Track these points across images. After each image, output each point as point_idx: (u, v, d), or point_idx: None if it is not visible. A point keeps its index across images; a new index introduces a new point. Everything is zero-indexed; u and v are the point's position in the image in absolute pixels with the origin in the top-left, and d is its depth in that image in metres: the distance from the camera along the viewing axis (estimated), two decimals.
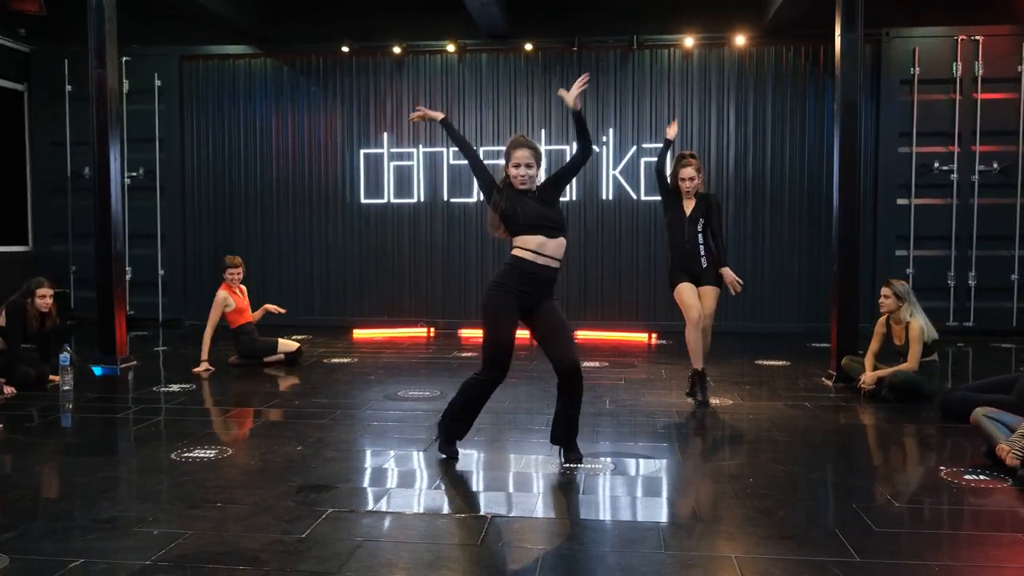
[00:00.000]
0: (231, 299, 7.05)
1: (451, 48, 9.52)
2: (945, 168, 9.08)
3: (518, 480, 4.01)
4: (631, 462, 4.27)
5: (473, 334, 9.15)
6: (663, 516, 3.49)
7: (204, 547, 3.07)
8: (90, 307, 9.58)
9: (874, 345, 5.91)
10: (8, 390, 5.74)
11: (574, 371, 4.09)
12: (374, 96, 9.86)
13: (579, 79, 4.16)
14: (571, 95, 4.09)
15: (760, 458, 4.34)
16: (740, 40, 9.19)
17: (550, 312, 4.14)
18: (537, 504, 3.65)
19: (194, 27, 9.81)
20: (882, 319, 5.97)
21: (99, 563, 2.92)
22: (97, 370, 6.78)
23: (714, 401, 5.65)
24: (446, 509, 3.54)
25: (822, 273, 9.29)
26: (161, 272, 9.99)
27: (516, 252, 4.09)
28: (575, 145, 4.51)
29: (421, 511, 3.52)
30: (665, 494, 3.85)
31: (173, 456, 4.29)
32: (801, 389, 6.18)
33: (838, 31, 6.43)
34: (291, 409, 5.44)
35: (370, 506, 3.57)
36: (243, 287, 7.26)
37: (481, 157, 4.59)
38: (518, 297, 4.06)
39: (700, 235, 5.60)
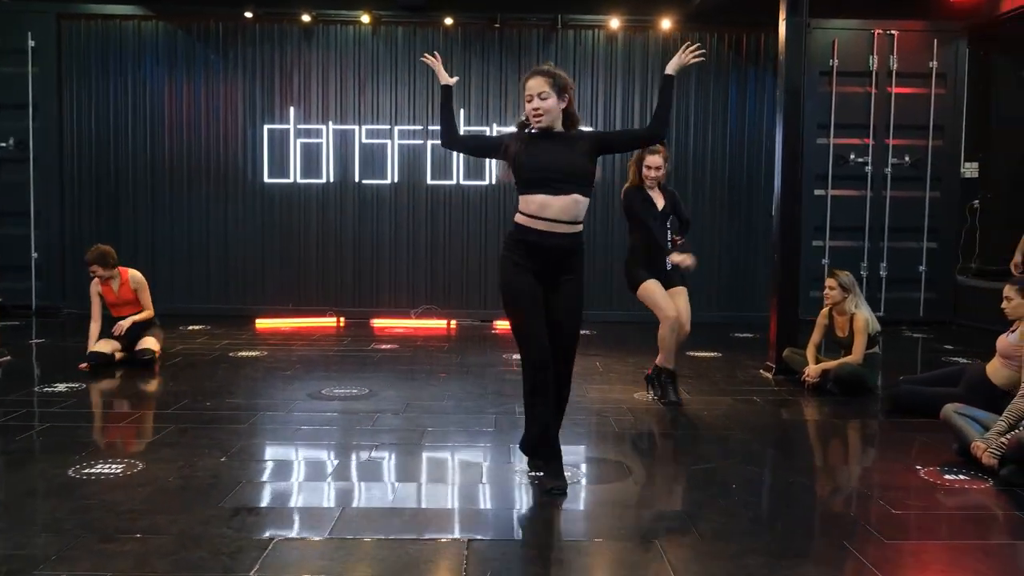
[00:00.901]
0: (102, 293, 6.25)
1: (365, 19, 8.89)
2: (860, 160, 9.18)
3: (487, 493, 3.58)
4: (601, 468, 3.92)
5: (387, 324, 8.63)
6: (658, 532, 3.15)
7: None
8: None
9: (816, 337, 5.80)
10: None
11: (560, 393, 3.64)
12: (280, 67, 9.12)
13: (690, 49, 3.78)
14: (675, 62, 3.81)
15: (732, 460, 4.08)
16: (666, 24, 8.98)
17: (558, 304, 3.52)
18: (516, 524, 3.24)
19: None
20: (824, 311, 5.85)
21: None
22: None
23: (661, 397, 5.37)
24: (415, 532, 3.08)
25: (742, 262, 9.26)
26: (34, 255, 8.95)
27: (516, 216, 3.50)
28: (648, 122, 3.90)
29: (387, 536, 3.03)
30: (651, 505, 3.52)
31: (71, 473, 3.64)
32: (742, 382, 6.01)
33: (782, 16, 6.26)
34: (203, 412, 4.81)
35: (325, 531, 3.06)
36: (127, 278, 6.39)
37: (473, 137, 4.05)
38: (531, 271, 3.47)
39: (668, 231, 5.22)
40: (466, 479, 3.74)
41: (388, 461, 3.99)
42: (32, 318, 8.59)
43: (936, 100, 9.10)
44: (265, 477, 3.72)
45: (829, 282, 5.69)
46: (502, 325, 8.66)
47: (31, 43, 8.87)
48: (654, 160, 5.17)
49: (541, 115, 3.44)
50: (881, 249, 9.24)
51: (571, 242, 3.48)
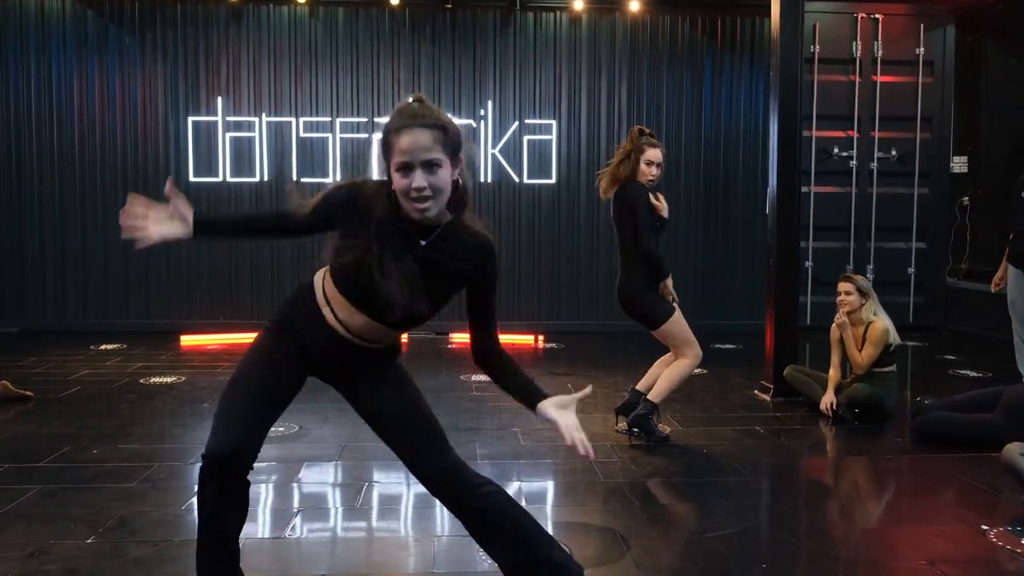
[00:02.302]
0: None
1: (301, 0, 7.95)
2: (844, 154, 8.50)
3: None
4: (590, 542, 3.06)
5: None
6: None
7: None
8: None
9: (835, 357, 4.98)
10: None
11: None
12: (205, 53, 8.12)
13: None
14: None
15: (751, 522, 3.26)
16: (635, 6, 8.17)
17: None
18: None
19: None
20: (835, 324, 5.06)
21: None
22: None
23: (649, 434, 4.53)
24: None
25: (719, 267, 8.52)
26: None
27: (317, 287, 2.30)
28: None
29: None
30: None
31: None
32: (738, 407, 5.21)
33: None
34: (85, 466, 3.84)
35: None
36: None
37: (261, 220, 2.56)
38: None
39: None
40: (414, 562, 2.85)
41: (319, 541, 3.08)
42: None
43: (923, 89, 8.45)
44: (143, 571, 2.77)
45: (844, 286, 4.92)
46: (460, 338, 7.78)
47: None
48: (655, 153, 4.24)
49: (428, 201, 2.07)
50: (868, 250, 8.57)
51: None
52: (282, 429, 4.46)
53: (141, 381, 5.77)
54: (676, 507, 3.54)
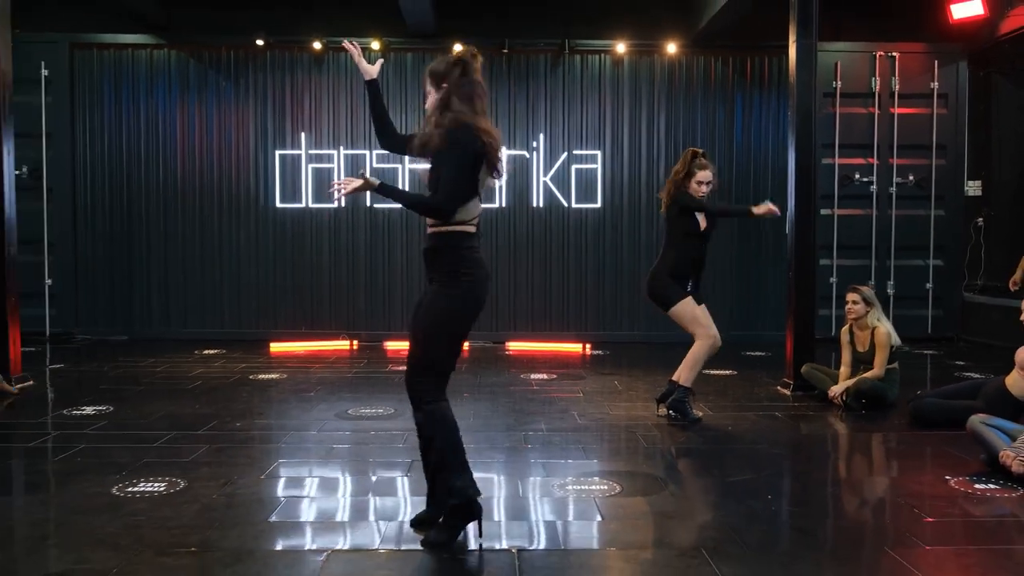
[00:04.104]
0: None
1: (376, 45, 9.02)
2: (865, 180, 9.31)
3: (526, 506, 3.63)
4: (636, 482, 3.97)
5: (401, 347, 8.65)
6: (704, 540, 3.19)
7: None
8: None
9: (845, 356, 5.82)
10: None
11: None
12: (291, 93, 9.24)
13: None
14: None
15: (764, 472, 4.14)
16: (671, 49, 9.13)
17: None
18: (561, 532, 3.29)
19: (86, 11, 8.94)
20: (845, 327, 5.92)
21: None
22: None
23: (681, 415, 5.41)
24: (466, 543, 3.12)
25: (751, 282, 9.35)
26: (48, 282, 8.99)
27: (456, 228, 3.20)
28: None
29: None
30: (692, 516, 3.56)
31: (115, 491, 3.67)
32: (762, 399, 6.06)
33: (792, 38, 6.40)
34: (234, 432, 4.85)
35: (376, 543, 3.11)
36: None
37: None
38: None
39: (706, 245, 5.23)
40: (508, 492, 3.78)
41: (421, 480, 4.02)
42: (46, 344, 8.60)
43: (938, 120, 9.25)
44: (307, 493, 3.76)
45: (852, 296, 5.76)
46: (515, 346, 8.73)
47: (44, 73, 8.97)
48: (705, 175, 5.10)
49: (429, 115, 3.20)
50: (888, 267, 9.35)
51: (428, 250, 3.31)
52: (381, 411, 5.44)
53: (250, 377, 6.80)
54: (704, 462, 4.43)
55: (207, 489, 3.72)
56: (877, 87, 9.23)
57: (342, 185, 3.19)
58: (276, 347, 8.57)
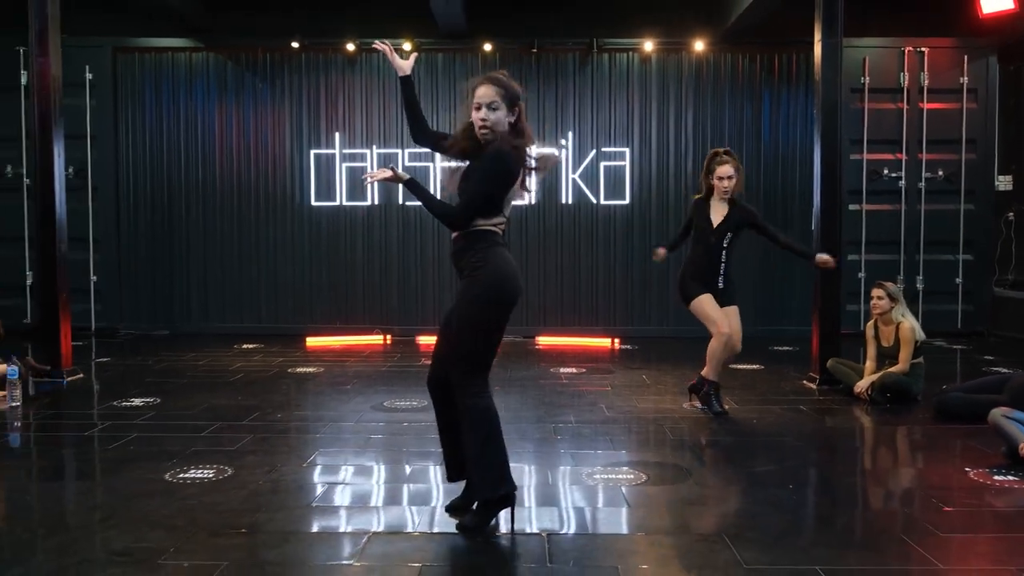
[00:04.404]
0: None
1: (407, 47, 9.19)
2: (894, 175, 9.33)
3: (555, 493, 3.79)
4: (662, 471, 4.11)
5: (434, 341, 8.84)
6: (725, 527, 3.33)
7: None
8: (12, 316, 8.91)
9: (870, 350, 5.91)
10: None
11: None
12: (325, 94, 9.46)
13: None
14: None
15: (787, 463, 4.26)
16: (699, 46, 9.21)
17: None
18: (588, 518, 3.45)
19: (128, 16, 9.22)
20: (870, 323, 6.00)
21: None
22: (42, 384, 6.20)
23: (708, 408, 5.53)
24: (498, 527, 3.28)
25: (776, 278, 9.41)
26: (94, 278, 9.31)
27: (485, 225, 3.31)
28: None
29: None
30: (714, 504, 3.70)
31: (168, 477, 3.89)
32: (788, 393, 6.17)
33: (818, 36, 6.48)
34: (275, 423, 5.07)
35: (413, 527, 3.29)
36: None
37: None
38: None
39: (724, 251, 5.26)
40: (538, 480, 3.95)
41: None
42: (92, 339, 8.92)
43: (968, 115, 9.25)
44: (348, 480, 3.96)
45: (876, 292, 5.85)
46: (545, 341, 8.88)
47: (88, 76, 9.28)
48: (725, 169, 5.21)
49: (488, 128, 3.23)
50: (917, 262, 9.36)
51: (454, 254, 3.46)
52: (416, 403, 5.63)
53: (289, 370, 7.03)
54: (729, 453, 4.56)
55: (253, 476, 3.93)
56: (906, 82, 9.24)
57: (373, 175, 3.34)
58: (312, 342, 8.81)
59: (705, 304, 5.26)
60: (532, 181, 3.41)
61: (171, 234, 9.47)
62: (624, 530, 3.35)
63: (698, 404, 5.46)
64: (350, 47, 9.25)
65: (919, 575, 2.83)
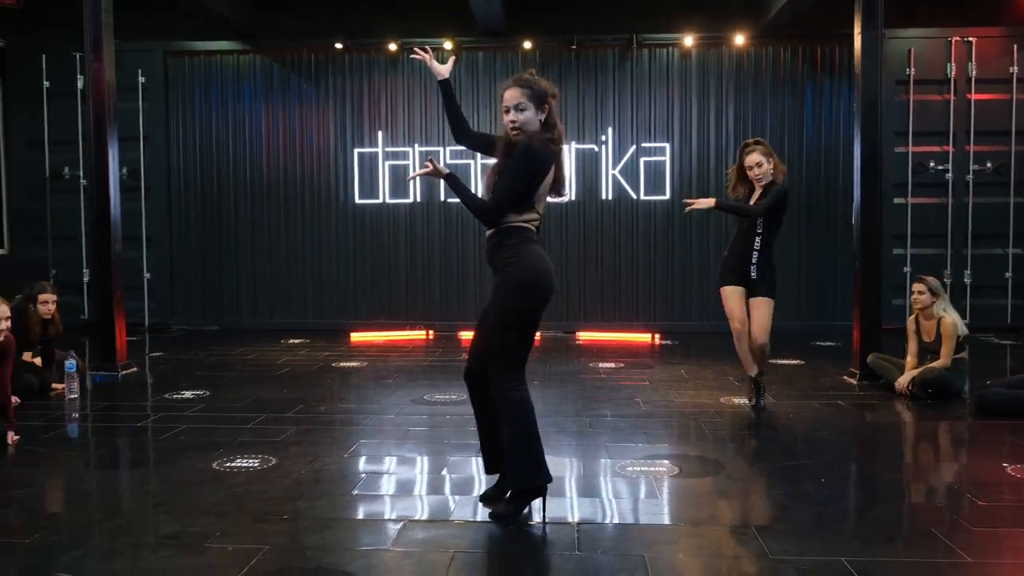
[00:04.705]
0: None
1: (448, 45, 9.33)
2: (940, 167, 9.18)
3: (589, 484, 3.87)
4: (695, 464, 4.16)
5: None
6: (754, 519, 3.38)
7: (288, 563, 2.89)
8: (71, 312, 9.26)
9: (912, 346, 5.86)
10: (13, 399, 5.41)
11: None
12: (368, 94, 9.64)
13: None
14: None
15: (820, 457, 4.27)
16: (739, 40, 9.17)
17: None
18: (619, 509, 3.52)
19: (178, 22, 9.48)
20: (911, 317, 5.95)
21: None
22: (96, 377, 6.47)
23: (744, 401, 5.55)
24: (530, 516, 3.38)
25: (820, 273, 9.34)
26: (147, 276, 9.62)
27: (518, 223, 3.38)
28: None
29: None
30: (745, 496, 3.74)
31: (215, 466, 4.06)
32: (828, 388, 6.15)
33: (857, 30, 6.43)
34: (319, 415, 5.24)
35: (449, 515, 3.40)
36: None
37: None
38: None
39: (759, 238, 5.17)
40: (572, 472, 4.03)
41: None
42: (146, 334, 9.23)
43: (1018, 105, 9.04)
44: (387, 470, 4.09)
45: (917, 286, 5.80)
46: (585, 336, 8.95)
47: (141, 80, 9.58)
48: (752, 158, 5.15)
49: (518, 129, 3.33)
50: (965, 256, 9.20)
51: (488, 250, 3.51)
52: (455, 397, 5.75)
53: (333, 365, 7.21)
54: (763, 447, 4.59)
55: (296, 465, 4.08)
56: (953, 73, 9.08)
57: (416, 172, 3.53)
58: (356, 337, 8.99)
59: (726, 297, 5.27)
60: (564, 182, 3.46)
61: (220, 232, 9.74)
62: (654, 520, 3.41)
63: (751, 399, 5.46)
64: (392, 47, 9.40)
65: (944, 568, 2.84)
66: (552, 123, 3.39)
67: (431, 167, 3.45)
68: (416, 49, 3.81)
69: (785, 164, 9.27)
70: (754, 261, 5.19)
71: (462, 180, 3.49)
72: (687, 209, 5.43)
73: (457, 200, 9.43)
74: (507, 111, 3.34)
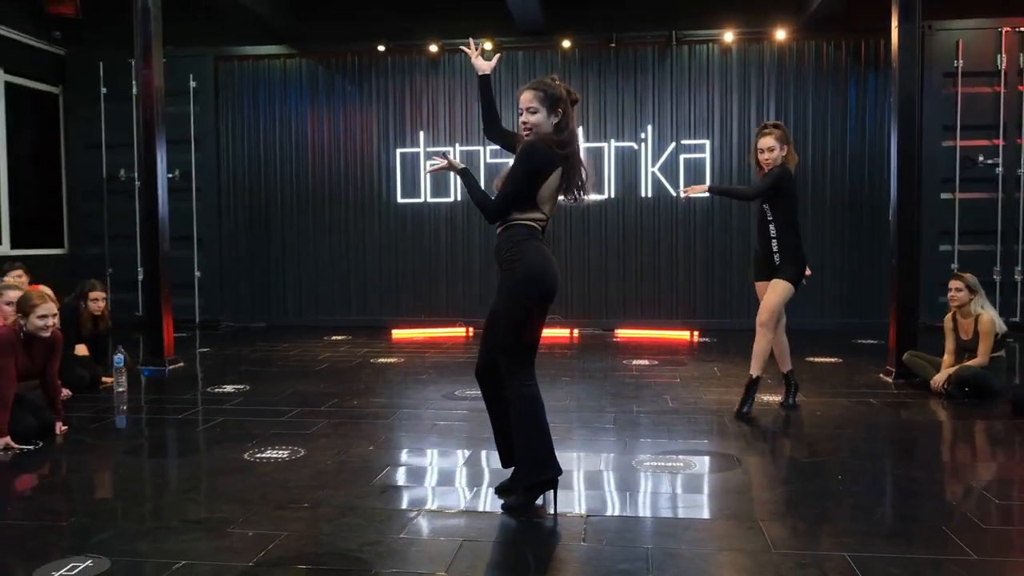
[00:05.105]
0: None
1: (488, 46, 9.44)
2: (990, 162, 8.96)
3: (601, 478, 3.94)
4: (714, 460, 4.19)
5: None
6: (761, 514, 3.40)
7: (303, 549, 3.02)
8: (126, 309, 9.64)
9: (949, 344, 5.77)
10: (64, 392, 5.69)
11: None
12: (410, 95, 9.81)
13: None
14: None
15: (841, 455, 4.26)
16: (780, 35, 9.09)
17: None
18: (630, 503, 3.58)
19: (228, 28, 9.78)
20: (949, 315, 5.87)
21: (201, 565, 2.87)
22: (145, 371, 6.75)
23: (776, 399, 5.54)
24: (543, 509, 3.46)
25: (863, 269, 9.20)
26: (197, 274, 9.95)
27: (526, 221, 3.43)
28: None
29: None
30: (758, 491, 3.77)
31: (246, 457, 4.24)
32: (861, 386, 6.09)
33: (895, 23, 6.34)
34: (351, 409, 5.39)
35: (462, 505, 3.51)
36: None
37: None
38: None
39: (771, 225, 5.04)
40: (587, 465, 4.10)
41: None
42: (196, 331, 9.55)
43: None
44: (408, 462, 4.21)
45: (955, 283, 5.71)
46: (623, 333, 8.98)
47: (192, 84, 9.91)
48: (764, 142, 4.98)
49: (529, 130, 3.41)
50: (1015, 253, 8.97)
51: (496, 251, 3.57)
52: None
53: (372, 361, 7.38)
54: (784, 443, 4.59)
55: (323, 456, 4.23)
56: (1003, 64, 8.86)
57: (432, 167, 3.65)
58: (397, 334, 9.17)
59: (758, 293, 5.25)
60: (584, 193, 3.49)
61: (268, 231, 10.02)
62: (662, 514, 3.46)
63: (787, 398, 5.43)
64: (433, 48, 9.56)
65: (949, 564, 2.84)
66: (563, 126, 3.45)
67: (445, 162, 3.55)
68: (469, 42, 3.85)
69: (828, 158, 9.18)
70: (775, 249, 5.06)
71: (473, 176, 3.58)
72: (682, 196, 5.44)
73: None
74: (521, 113, 3.44)
